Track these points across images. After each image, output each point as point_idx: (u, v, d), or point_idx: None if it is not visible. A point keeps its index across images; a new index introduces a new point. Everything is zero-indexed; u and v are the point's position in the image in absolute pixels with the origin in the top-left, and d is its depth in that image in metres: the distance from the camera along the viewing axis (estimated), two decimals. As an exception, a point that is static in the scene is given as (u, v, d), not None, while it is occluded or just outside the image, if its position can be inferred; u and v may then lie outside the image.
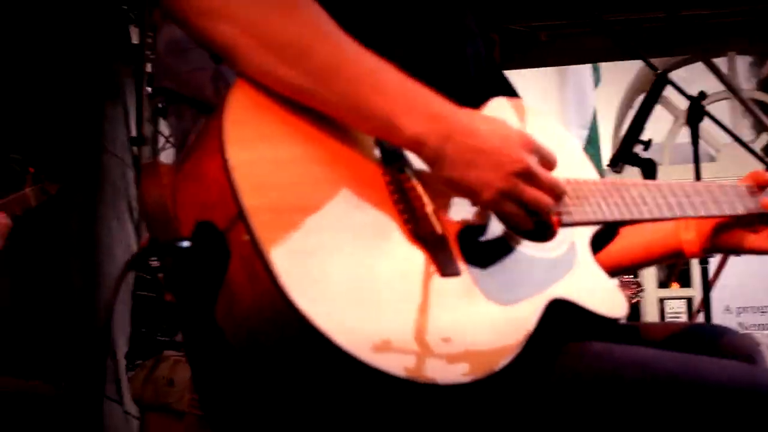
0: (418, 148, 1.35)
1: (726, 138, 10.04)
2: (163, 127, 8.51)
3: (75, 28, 6.61)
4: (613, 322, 1.52)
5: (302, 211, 1.24)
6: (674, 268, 9.92)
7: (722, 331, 1.80)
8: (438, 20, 1.67)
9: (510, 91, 1.84)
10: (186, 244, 1.24)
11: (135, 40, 7.86)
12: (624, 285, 6.25)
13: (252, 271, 1.18)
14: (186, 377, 4.84)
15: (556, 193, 1.44)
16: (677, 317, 9.92)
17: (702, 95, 3.40)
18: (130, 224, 7.74)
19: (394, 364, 1.19)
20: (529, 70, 8.80)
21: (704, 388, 1.39)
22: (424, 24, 1.64)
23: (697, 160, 3.62)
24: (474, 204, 1.41)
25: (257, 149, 1.26)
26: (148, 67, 7.94)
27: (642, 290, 6.50)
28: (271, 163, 1.26)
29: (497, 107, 1.66)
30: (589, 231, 1.64)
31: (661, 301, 10.41)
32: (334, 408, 1.27)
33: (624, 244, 1.98)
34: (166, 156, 8.66)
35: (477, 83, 1.71)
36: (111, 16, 7.53)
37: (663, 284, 10.58)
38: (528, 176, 1.39)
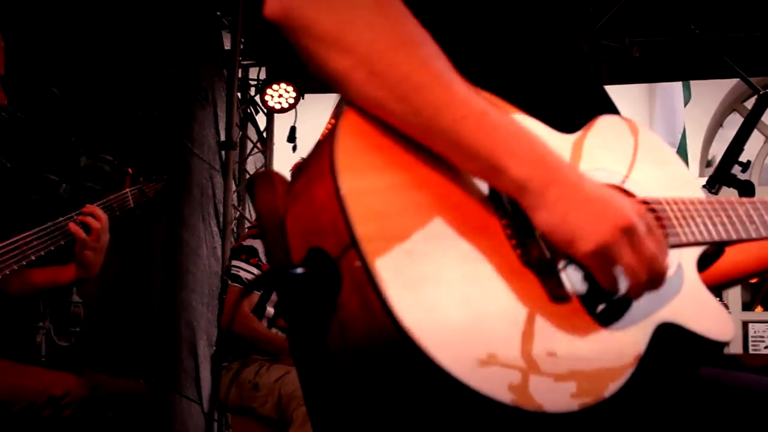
0: (520, 193, 1.33)
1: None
2: (252, 132, 8.62)
3: (169, 32, 6.72)
4: (721, 345, 1.50)
5: (408, 239, 1.24)
6: (759, 291, 9.77)
7: None
8: (545, 42, 1.66)
9: (614, 112, 1.83)
10: (300, 270, 1.25)
11: (227, 45, 7.96)
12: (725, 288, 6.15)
13: (364, 298, 1.19)
14: (271, 382, 4.89)
15: (654, 271, 1.37)
16: (761, 341, 9.76)
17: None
18: (216, 227, 7.84)
19: (500, 388, 1.19)
20: (619, 85, 8.75)
21: None
22: (531, 47, 1.64)
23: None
24: (570, 254, 1.36)
25: (367, 177, 1.27)
26: (239, 73, 8.05)
27: (728, 312, 6.39)
28: (381, 192, 1.27)
29: (607, 123, 1.64)
30: (695, 251, 1.59)
31: (745, 324, 10.25)
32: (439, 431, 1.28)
33: (737, 259, 1.97)
34: (253, 161, 8.76)
35: (584, 103, 1.70)
36: (204, 21, 7.63)
37: (747, 306, 10.43)
38: (632, 236, 1.33)
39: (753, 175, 10.56)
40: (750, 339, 10.19)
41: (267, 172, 1.45)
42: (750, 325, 10.19)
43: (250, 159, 8.75)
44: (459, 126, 1.31)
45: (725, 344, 1.50)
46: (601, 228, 1.32)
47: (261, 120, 8.84)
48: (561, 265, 1.38)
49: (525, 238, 1.36)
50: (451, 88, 1.33)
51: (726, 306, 6.40)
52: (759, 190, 9.28)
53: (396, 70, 1.31)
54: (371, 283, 1.18)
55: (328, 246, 1.24)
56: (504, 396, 1.19)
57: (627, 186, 1.54)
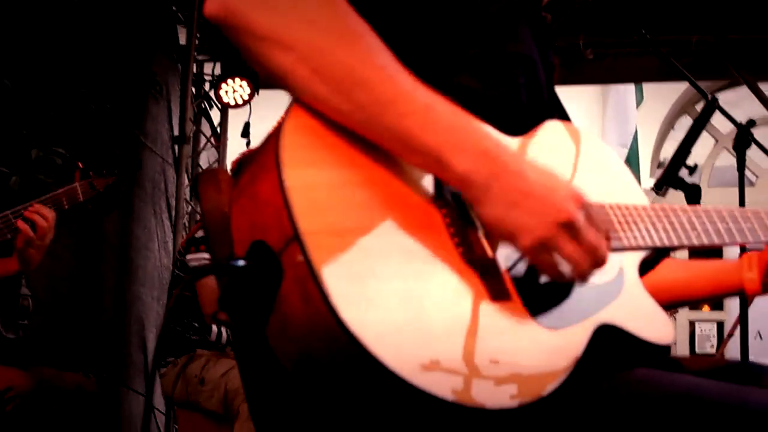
0: (465, 186, 1.34)
1: (767, 163, 10.01)
2: (206, 127, 8.58)
3: (123, 26, 6.68)
4: (660, 348, 1.52)
5: (355, 234, 1.25)
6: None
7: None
8: (492, 51, 1.67)
9: (564, 117, 1.84)
10: (241, 263, 1.26)
11: (182, 40, 7.92)
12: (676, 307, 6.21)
13: (305, 292, 1.20)
14: (217, 376, 4.88)
15: (597, 257, 1.38)
16: (707, 340, 9.87)
17: (751, 123, 3.39)
18: (168, 221, 7.80)
19: (442, 387, 1.20)
20: (572, 86, 8.80)
21: (755, 415, 1.38)
22: (479, 53, 1.64)
23: (742, 186, 3.61)
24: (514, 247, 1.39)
25: (312, 172, 1.28)
26: (194, 68, 8.01)
27: (676, 312, 6.46)
28: (325, 187, 1.27)
29: (550, 130, 1.66)
30: (637, 256, 1.63)
31: (692, 323, 10.36)
32: (382, 426, 1.28)
33: (687, 278, 1.99)
34: (207, 156, 8.72)
35: (530, 110, 1.71)
36: (160, 16, 7.59)
37: (694, 306, 10.54)
38: (572, 229, 1.35)
39: (703, 178, 10.67)
40: (696, 338, 10.31)
41: (212, 170, 1.46)
42: (697, 324, 10.32)
43: (203, 154, 8.70)
44: (404, 120, 1.32)
45: (664, 347, 1.52)
46: (542, 223, 1.34)
47: (215, 115, 8.80)
48: (503, 263, 1.40)
49: (468, 237, 1.37)
50: (395, 82, 1.34)
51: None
52: (709, 192, 9.38)
53: (339, 65, 1.32)
54: (312, 277, 1.18)
55: (271, 239, 1.25)
56: (447, 394, 1.20)
57: None
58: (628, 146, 9.35)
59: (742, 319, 3.91)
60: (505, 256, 1.42)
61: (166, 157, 7.80)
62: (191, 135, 8.18)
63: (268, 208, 1.26)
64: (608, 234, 1.43)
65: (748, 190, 9.74)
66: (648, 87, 9.51)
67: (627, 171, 1.76)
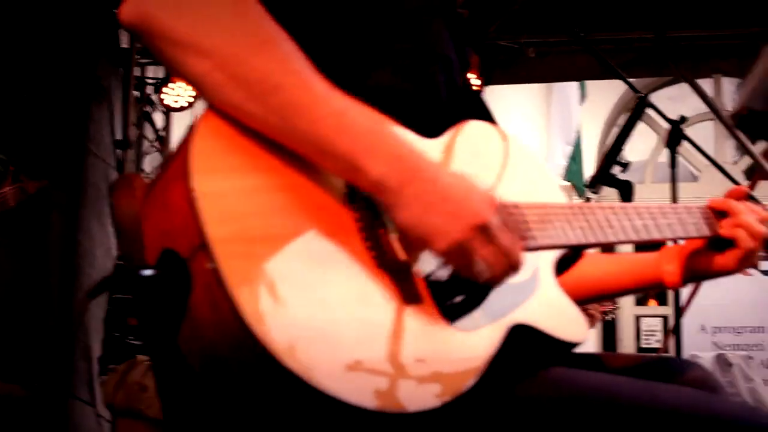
0: (379, 191, 1.34)
1: (711, 155, 10.14)
2: (149, 131, 8.52)
3: (64, 30, 6.60)
4: (573, 346, 1.54)
5: (265, 242, 1.25)
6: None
7: (687, 365, 1.81)
8: (409, 49, 1.67)
9: (485, 115, 1.85)
10: (148, 272, 1.25)
11: (124, 43, 7.85)
12: (600, 302, 6.26)
13: (213, 300, 1.19)
14: (158, 383, 4.84)
15: (512, 261, 1.40)
16: (653, 335, 9.97)
17: (682, 119, 3.42)
18: (111, 227, 7.73)
19: (357, 393, 1.21)
20: (517, 85, 8.86)
21: (662, 414, 1.41)
22: (395, 54, 1.64)
23: (674, 182, 3.64)
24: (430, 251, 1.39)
25: (223, 179, 1.27)
26: (136, 71, 7.95)
27: (618, 307, 6.50)
28: (235, 194, 1.27)
29: (471, 129, 1.66)
30: (552, 255, 1.64)
31: (638, 318, 10.46)
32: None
33: (608, 272, 2.01)
34: (150, 160, 8.67)
35: (450, 108, 1.72)
36: (101, 19, 7.52)
37: (640, 302, 10.64)
38: (487, 233, 1.36)
39: (647, 173, 10.78)
40: (642, 333, 10.42)
41: (126, 176, 1.44)
42: (642, 319, 10.42)
43: (147, 158, 8.64)
44: (318, 125, 1.32)
45: (577, 344, 1.54)
46: (457, 226, 1.34)
47: (159, 119, 8.74)
48: (415, 266, 1.40)
49: (380, 241, 1.37)
50: (310, 87, 1.34)
51: (616, 302, 6.49)
52: (652, 188, 9.48)
53: (254, 71, 1.31)
54: (220, 285, 1.18)
55: (180, 247, 1.24)
56: (364, 400, 1.21)
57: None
58: (572, 143, 9.43)
59: (677, 314, 3.95)
60: (420, 259, 1.42)
61: (110, 162, 7.73)
62: (135, 139, 8.12)
63: (177, 216, 1.25)
64: (523, 237, 1.45)
65: (691, 185, 9.87)
66: (591, 85, 9.59)
67: (547, 171, 1.77)
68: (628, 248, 7.94)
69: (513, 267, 1.40)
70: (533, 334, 1.49)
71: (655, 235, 1.74)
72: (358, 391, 1.21)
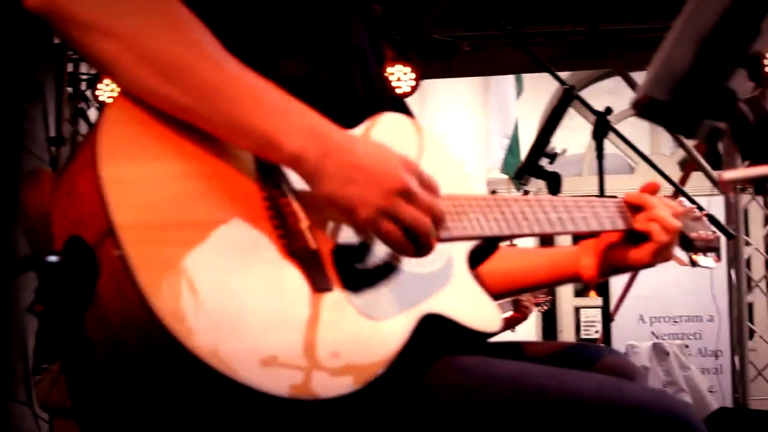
0: (297, 165, 1.36)
1: (646, 149, 10.23)
2: (83, 127, 8.43)
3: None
4: (486, 336, 1.56)
5: (173, 228, 1.25)
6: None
7: (605, 352, 1.83)
8: (323, 40, 1.68)
9: (401, 108, 1.86)
10: (54, 258, 1.24)
11: (57, 39, 7.76)
12: (533, 293, 6.31)
13: (120, 288, 1.19)
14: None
15: (435, 215, 1.42)
16: (592, 326, 10.07)
17: (608, 111, 3.46)
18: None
19: (268, 381, 1.22)
20: (454, 78, 8.88)
21: (572, 399, 1.43)
22: (310, 44, 1.65)
23: (601, 174, 3.68)
24: (352, 222, 1.41)
25: (131, 166, 1.27)
26: (69, 67, 7.86)
27: (550, 299, 6.55)
28: (144, 180, 1.26)
29: (386, 122, 1.67)
30: (466, 246, 1.65)
31: (577, 310, 10.55)
32: (206, 421, 1.28)
33: (526, 265, 2.03)
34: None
35: (365, 100, 1.73)
36: (33, 16, 7.42)
37: (580, 293, 10.73)
38: (407, 195, 1.38)
39: (584, 166, 10.86)
40: (582, 324, 10.52)
41: (33, 171, 1.43)
42: (581, 310, 10.52)
43: (82, 155, 8.53)
44: (233, 104, 1.32)
45: (490, 335, 1.56)
46: (378, 193, 1.36)
47: (93, 115, 8.64)
48: (328, 255, 1.41)
49: (291, 228, 1.37)
50: (223, 67, 1.34)
51: (549, 294, 6.55)
52: (589, 180, 9.53)
53: (166, 53, 1.31)
54: (127, 272, 1.18)
55: (87, 234, 1.24)
56: (275, 388, 1.22)
57: None
58: (510, 137, 9.49)
59: (605, 304, 4.00)
60: (332, 246, 1.43)
61: (44, 159, 7.65)
62: (69, 136, 8.02)
63: (86, 204, 1.24)
64: (438, 191, 1.45)
65: (628, 176, 9.96)
66: (528, 78, 9.65)
67: (461, 164, 1.78)
68: (568, 239, 8.02)
69: (437, 219, 1.42)
70: (445, 324, 1.50)
71: (570, 228, 1.76)
72: (272, 381, 1.22)
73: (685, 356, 8.19)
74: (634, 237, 1.89)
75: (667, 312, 9.49)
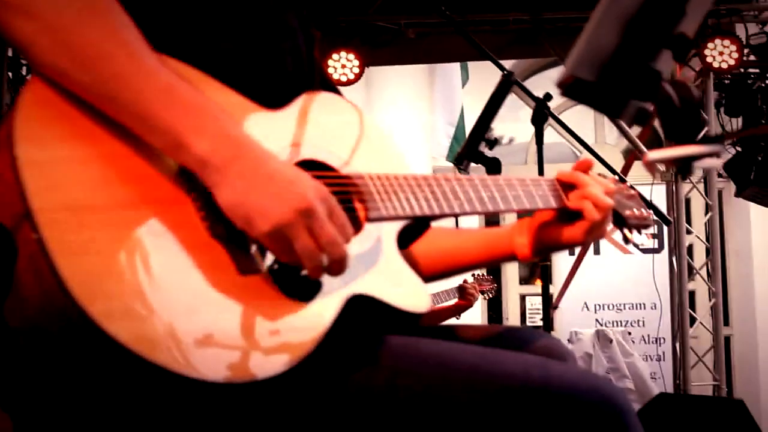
0: (203, 169, 1.31)
1: (590, 138, 10.30)
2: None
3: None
4: (416, 317, 1.54)
5: (92, 211, 1.23)
6: (536, 266, 10.12)
7: (538, 335, 1.83)
8: (253, 16, 1.65)
9: (331, 88, 1.84)
10: None
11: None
12: (478, 281, 6.34)
13: (38, 272, 1.17)
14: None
15: (333, 253, 1.36)
16: (538, 313, 10.13)
17: (547, 97, 3.45)
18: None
19: (196, 365, 1.21)
20: (401, 66, 8.87)
21: (501, 379, 1.42)
22: (239, 20, 1.62)
23: (540, 160, 3.69)
24: (248, 234, 1.35)
25: (49, 148, 1.24)
26: (9, 52, 7.75)
27: (495, 287, 6.58)
28: (62, 163, 1.24)
29: (316, 100, 1.64)
30: (396, 226, 1.62)
31: (523, 297, 10.62)
32: (131, 409, 1.27)
33: (459, 245, 2.01)
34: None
35: (294, 78, 1.70)
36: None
37: (525, 281, 10.79)
38: (309, 218, 1.33)
39: (529, 153, 10.90)
40: (528, 312, 10.58)
41: None
42: (527, 298, 10.59)
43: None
44: (143, 99, 1.29)
45: (419, 315, 1.54)
46: (280, 209, 1.31)
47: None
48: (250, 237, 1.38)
49: (215, 211, 1.34)
50: (137, 59, 1.31)
51: (493, 281, 6.58)
52: (534, 168, 9.57)
53: (81, 37, 1.28)
54: (44, 255, 1.15)
55: (4, 217, 1.21)
56: (214, 374, 1.21)
57: (328, 160, 1.55)
58: (455, 125, 9.50)
59: (545, 291, 4.02)
60: None
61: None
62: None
63: (2, 185, 1.22)
64: (348, 233, 1.40)
65: (572, 165, 10.01)
66: (473, 66, 9.66)
67: (393, 143, 1.76)
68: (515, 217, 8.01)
69: (334, 262, 1.37)
70: (373, 305, 1.48)
71: (502, 207, 1.74)
72: (201, 366, 1.21)
73: (628, 343, 8.28)
74: (567, 215, 1.88)
75: (611, 300, 9.57)
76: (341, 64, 7.24)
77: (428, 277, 1.88)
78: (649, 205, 2.20)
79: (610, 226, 1.90)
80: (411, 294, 1.55)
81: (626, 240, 1.95)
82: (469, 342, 1.69)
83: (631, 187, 2.06)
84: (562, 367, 1.48)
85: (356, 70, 7.26)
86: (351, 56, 7.26)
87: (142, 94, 1.29)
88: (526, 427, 1.39)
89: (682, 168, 1.36)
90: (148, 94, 1.30)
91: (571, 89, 1.20)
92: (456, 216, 1.69)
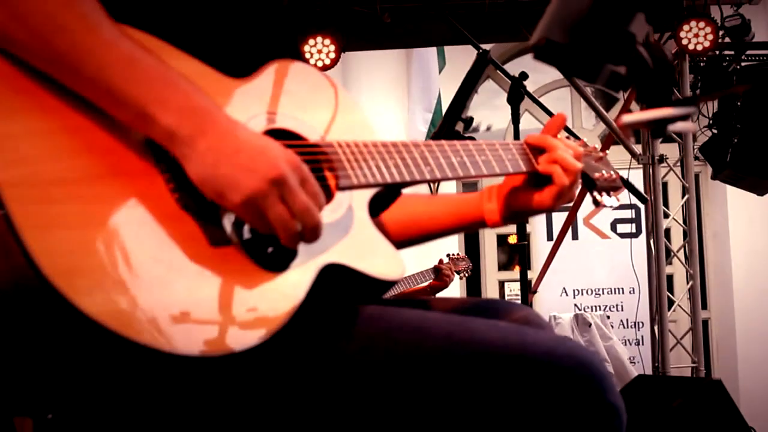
0: (171, 142, 1.30)
1: (567, 123, 10.29)
2: None
3: None
4: (390, 285, 1.54)
5: (57, 184, 1.21)
6: (514, 252, 10.13)
7: (515, 307, 1.81)
8: None
9: (294, 57, 1.82)
10: None
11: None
12: (454, 261, 6.33)
13: (5, 248, 1.15)
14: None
15: (307, 221, 1.36)
16: (516, 299, 10.15)
17: (522, 75, 3.45)
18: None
19: (160, 337, 1.19)
20: (378, 51, 8.85)
21: (476, 346, 1.41)
22: None
23: (517, 138, 3.68)
24: (222, 206, 1.34)
25: (8, 121, 1.22)
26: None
27: (470, 266, 6.56)
28: (23, 136, 1.22)
29: (284, 68, 1.62)
30: (367, 194, 1.60)
31: (502, 284, 10.64)
32: (104, 383, 1.25)
33: (430, 211, 2.00)
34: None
35: (257, 47, 1.68)
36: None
37: (504, 267, 10.81)
38: (282, 187, 1.32)
39: (506, 139, 10.90)
40: (506, 297, 10.60)
41: None
42: (506, 284, 10.60)
43: None
44: (105, 72, 1.27)
45: (393, 283, 1.53)
46: (251, 180, 1.30)
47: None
48: (221, 209, 1.37)
49: (185, 182, 1.33)
50: (97, 31, 1.29)
51: (468, 260, 6.57)
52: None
53: (38, 10, 1.26)
54: (11, 231, 1.14)
55: None
56: (189, 348, 1.21)
57: (298, 129, 1.54)
58: (432, 110, 9.46)
59: (523, 276, 4.03)
60: None
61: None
62: None
63: None
64: (321, 201, 1.40)
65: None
66: (450, 51, 9.63)
67: (363, 112, 1.74)
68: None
69: (307, 229, 1.36)
70: (347, 274, 1.47)
71: (472, 173, 1.72)
72: (178, 339, 1.20)
73: (607, 327, 8.29)
74: (537, 180, 1.86)
75: (590, 285, 9.57)
76: (317, 49, 7.21)
77: (399, 243, 1.87)
78: (625, 183, 2.18)
79: (578, 189, 1.89)
80: (384, 261, 1.54)
81: (596, 202, 1.93)
82: (445, 312, 1.68)
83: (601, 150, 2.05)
84: (539, 333, 1.46)
85: (332, 56, 7.24)
86: (327, 41, 7.23)
87: (104, 67, 1.27)
88: (502, 392, 1.38)
89: (655, 131, 1.35)
90: (110, 67, 1.27)
91: (543, 52, 1.19)
92: (427, 182, 1.68)
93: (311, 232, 1.37)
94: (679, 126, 1.32)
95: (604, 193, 1.96)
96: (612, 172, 1.99)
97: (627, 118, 1.37)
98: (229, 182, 1.29)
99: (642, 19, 1.19)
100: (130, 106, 1.28)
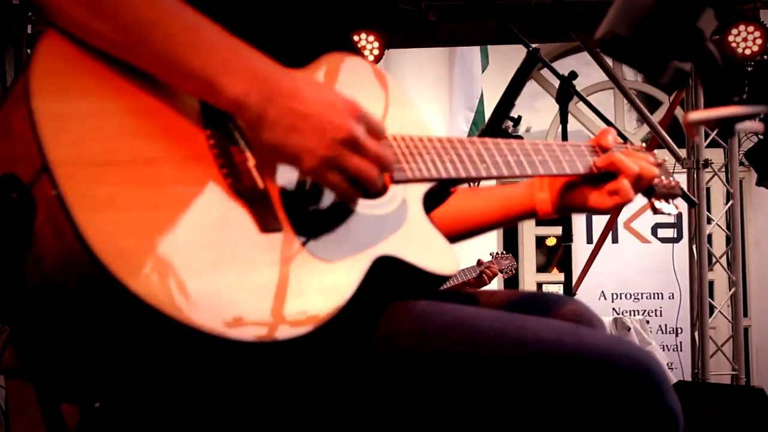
0: (239, 110, 1.30)
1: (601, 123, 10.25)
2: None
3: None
4: (443, 279, 1.52)
5: (112, 166, 1.20)
6: (555, 253, 10.08)
7: (564, 300, 1.78)
8: None
9: (350, 50, 1.81)
10: None
11: None
12: (496, 259, 6.30)
13: (57, 228, 1.14)
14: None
15: (383, 164, 1.39)
16: (555, 301, 10.10)
17: (572, 75, 3.42)
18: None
19: (212, 322, 1.18)
20: (421, 49, 8.82)
21: (530, 346, 1.38)
22: None
23: (565, 138, 3.65)
24: (297, 171, 1.37)
25: (66, 101, 1.21)
26: (29, 29, 7.74)
27: (514, 265, 6.53)
28: (80, 117, 1.21)
29: (340, 61, 1.63)
30: (422, 188, 1.61)
31: (540, 285, 10.59)
32: (152, 365, 1.24)
33: (477, 205, 1.97)
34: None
35: (312, 39, 1.67)
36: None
37: (542, 269, 10.76)
38: (353, 145, 1.34)
39: (548, 140, 10.86)
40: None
41: None
42: (544, 286, 10.55)
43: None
44: (170, 42, 1.27)
45: (446, 278, 1.51)
46: (322, 142, 1.32)
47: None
48: (276, 195, 1.36)
49: (237, 167, 1.33)
50: (158, 3, 1.29)
51: (513, 259, 6.53)
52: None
53: None
54: (63, 211, 1.13)
55: (22, 172, 1.18)
56: (216, 328, 1.18)
57: None
58: (474, 110, 9.43)
59: (566, 280, 3.98)
60: (281, 186, 1.39)
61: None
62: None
63: (19, 140, 1.19)
64: (386, 137, 1.44)
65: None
66: (493, 51, 9.60)
67: (416, 106, 1.73)
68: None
69: (385, 169, 1.39)
70: (400, 266, 1.46)
71: (528, 172, 1.70)
72: (230, 326, 1.19)
73: (646, 332, 8.21)
74: (591, 178, 1.83)
75: (629, 289, 9.53)
76: (361, 45, 7.20)
77: (448, 238, 1.86)
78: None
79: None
80: (438, 256, 1.53)
81: (655, 210, 1.90)
82: (494, 308, 1.66)
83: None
84: (595, 334, 1.43)
85: (376, 52, 7.23)
86: (371, 38, 7.22)
87: (168, 38, 1.27)
88: (556, 393, 1.35)
89: (723, 129, 1.32)
90: (174, 37, 1.28)
91: (609, 45, 1.16)
92: (482, 180, 1.66)
93: (388, 169, 1.41)
94: (747, 125, 1.29)
95: (662, 200, 1.92)
96: (671, 179, 1.95)
97: (694, 115, 1.33)
98: (301, 149, 1.32)
99: (711, 14, 1.16)
100: (196, 76, 1.28)
